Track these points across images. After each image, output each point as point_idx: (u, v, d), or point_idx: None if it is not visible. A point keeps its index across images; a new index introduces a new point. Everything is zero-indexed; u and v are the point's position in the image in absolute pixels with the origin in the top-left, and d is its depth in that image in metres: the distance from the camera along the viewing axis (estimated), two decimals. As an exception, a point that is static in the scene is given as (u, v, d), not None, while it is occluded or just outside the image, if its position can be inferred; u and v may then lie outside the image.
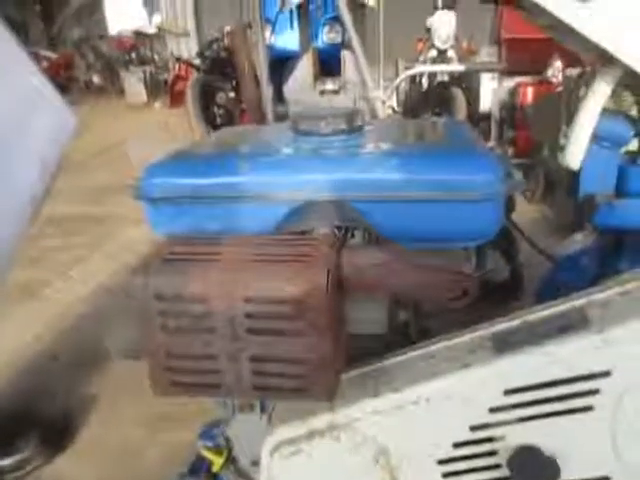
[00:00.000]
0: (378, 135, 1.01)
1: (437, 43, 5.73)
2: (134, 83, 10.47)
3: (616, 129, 0.89)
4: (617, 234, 0.93)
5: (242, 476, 1.08)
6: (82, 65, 12.28)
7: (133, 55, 10.99)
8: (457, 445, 0.77)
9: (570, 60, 4.44)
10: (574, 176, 0.95)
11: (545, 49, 4.67)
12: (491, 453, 0.76)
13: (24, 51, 1.16)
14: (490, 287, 1.03)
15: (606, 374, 0.70)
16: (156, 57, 10.91)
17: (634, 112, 0.93)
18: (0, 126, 1.05)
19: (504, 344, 0.77)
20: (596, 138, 0.88)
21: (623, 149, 0.91)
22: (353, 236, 0.87)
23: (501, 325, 0.81)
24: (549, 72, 4.94)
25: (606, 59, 0.85)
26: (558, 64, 4.84)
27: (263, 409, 0.99)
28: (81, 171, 5.36)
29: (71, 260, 3.51)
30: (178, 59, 7.97)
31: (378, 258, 0.74)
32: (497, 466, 0.77)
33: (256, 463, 1.04)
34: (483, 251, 0.98)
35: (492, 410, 0.74)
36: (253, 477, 1.06)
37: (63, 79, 11.66)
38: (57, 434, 1.95)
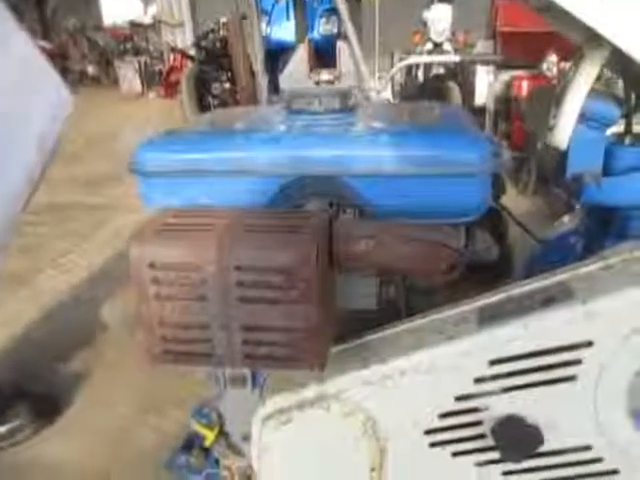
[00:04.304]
0: (371, 115, 1.03)
1: (433, 36, 5.73)
2: (129, 73, 10.40)
3: (603, 109, 0.91)
4: (603, 212, 0.95)
5: (234, 451, 1.10)
6: (76, 55, 12.19)
7: (128, 45, 10.93)
8: (443, 415, 0.79)
9: (565, 54, 4.46)
10: (563, 158, 0.97)
11: (541, 43, 4.68)
12: (476, 423, 0.78)
13: (22, 29, 1.16)
14: (479, 267, 1.05)
15: (588, 344, 0.71)
16: (151, 48, 10.85)
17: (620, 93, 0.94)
18: None
19: (489, 316, 0.78)
20: (583, 118, 0.90)
21: (610, 130, 0.92)
22: (345, 212, 0.88)
23: (486, 299, 0.83)
24: (544, 66, 4.95)
25: (594, 40, 0.87)
26: (553, 58, 4.85)
27: (255, 384, 1.00)
28: (74, 160, 5.35)
29: (64, 248, 3.51)
30: (173, 49, 7.95)
31: (368, 231, 0.76)
32: (482, 436, 0.78)
33: (247, 438, 1.06)
34: (472, 230, 0.99)
35: (477, 380, 0.76)
36: (244, 451, 1.08)
37: (57, 69, 11.53)
38: (47, 407, 1.99)
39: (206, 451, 1.16)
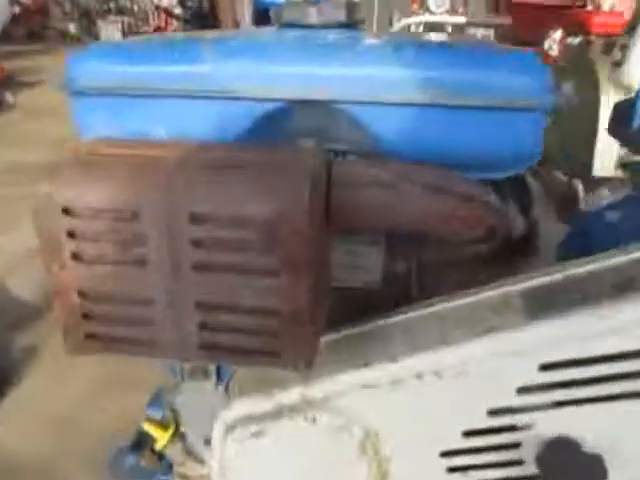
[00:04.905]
0: (383, 34, 0.80)
1: (432, 7, 5.50)
2: (112, 34, 10.00)
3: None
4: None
5: (192, 456, 0.89)
6: (58, 13, 11.67)
7: (111, 5, 10.49)
8: (469, 434, 0.59)
9: (570, 29, 4.27)
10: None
11: (545, 17, 4.48)
12: (513, 445, 0.58)
13: None
14: (506, 241, 0.85)
15: (683, 347, 0.51)
16: (135, 8, 10.40)
17: None
18: None
19: (541, 304, 0.58)
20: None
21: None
22: (345, 156, 0.66)
23: (534, 280, 0.62)
24: (546, 44, 4.78)
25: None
26: (557, 35, 4.67)
27: (219, 376, 0.79)
28: (50, 119, 5.08)
29: (28, 210, 3.25)
30: (158, 7, 7.61)
31: (382, 177, 0.54)
32: (520, 462, 0.59)
33: (209, 441, 0.86)
34: (502, 191, 0.78)
35: (521, 390, 0.56)
36: (205, 458, 0.87)
37: (37, 27, 11.13)
38: None
39: (159, 454, 0.95)
